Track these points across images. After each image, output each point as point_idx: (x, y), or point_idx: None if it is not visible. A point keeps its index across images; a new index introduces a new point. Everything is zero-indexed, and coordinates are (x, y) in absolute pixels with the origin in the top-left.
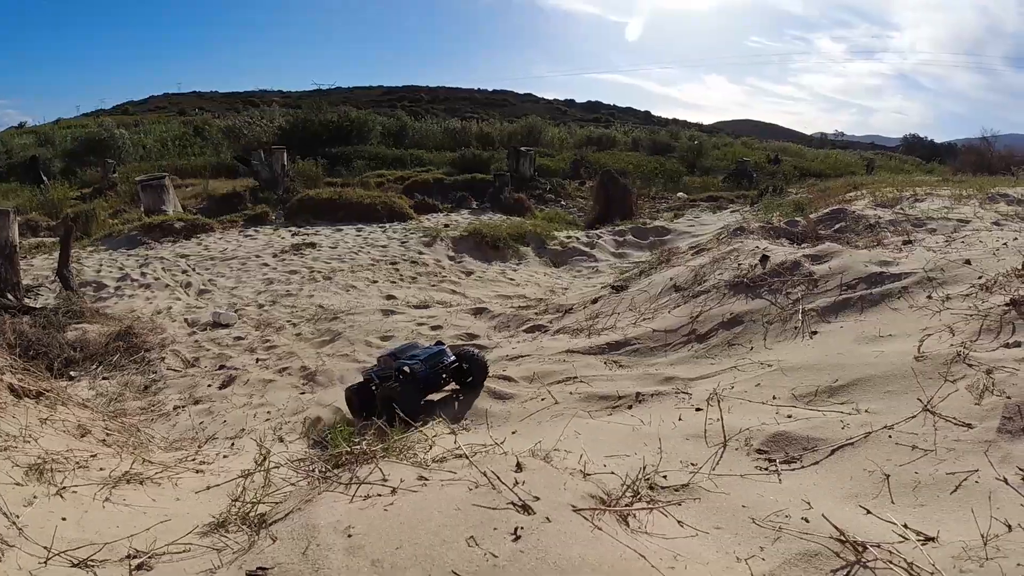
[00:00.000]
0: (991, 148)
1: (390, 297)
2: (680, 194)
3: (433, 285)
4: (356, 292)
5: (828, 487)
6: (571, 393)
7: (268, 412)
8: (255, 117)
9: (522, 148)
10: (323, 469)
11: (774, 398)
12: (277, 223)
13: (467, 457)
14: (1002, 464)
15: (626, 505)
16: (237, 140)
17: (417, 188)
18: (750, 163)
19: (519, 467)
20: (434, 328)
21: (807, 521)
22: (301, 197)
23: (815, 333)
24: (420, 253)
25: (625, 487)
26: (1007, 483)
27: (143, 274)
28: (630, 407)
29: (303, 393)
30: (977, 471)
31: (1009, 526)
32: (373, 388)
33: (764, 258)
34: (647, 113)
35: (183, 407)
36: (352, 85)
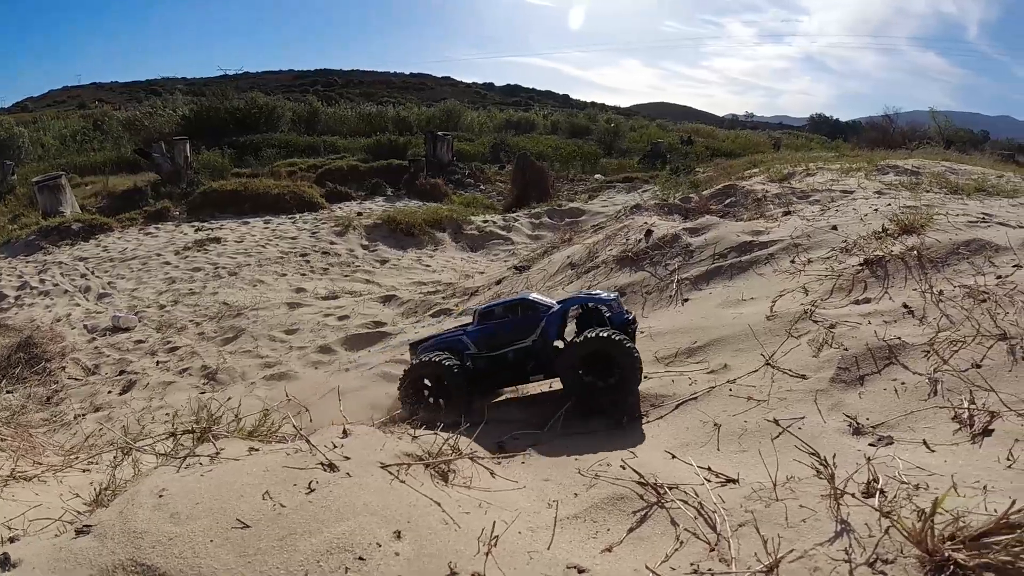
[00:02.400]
0: (892, 124)
1: (299, 290)
2: (598, 176)
3: (346, 275)
4: (263, 287)
5: (663, 438)
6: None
7: (167, 414)
8: (157, 106)
9: (439, 133)
10: (166, 449)
11: None
12: (180, 218)
13: (295, 428)
14: (831, 411)
15: (445, 461)
16: (138, 132)
17: (331, 176)
18: (664, 145)
19: (345, 434)
20: (341, 319)
21: (624, 469)
22: (204, 190)
23: (687, 300)
24: (332, 243)
25: (443, 443)
26: (830, 429)
27: (42, 281)
28: None
29: (203, 393)
30: (803, 418)
31: (817, 470)
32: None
33: (648, 233)
34: (566, 96)
35: (84, 415)
36: (261, 70)
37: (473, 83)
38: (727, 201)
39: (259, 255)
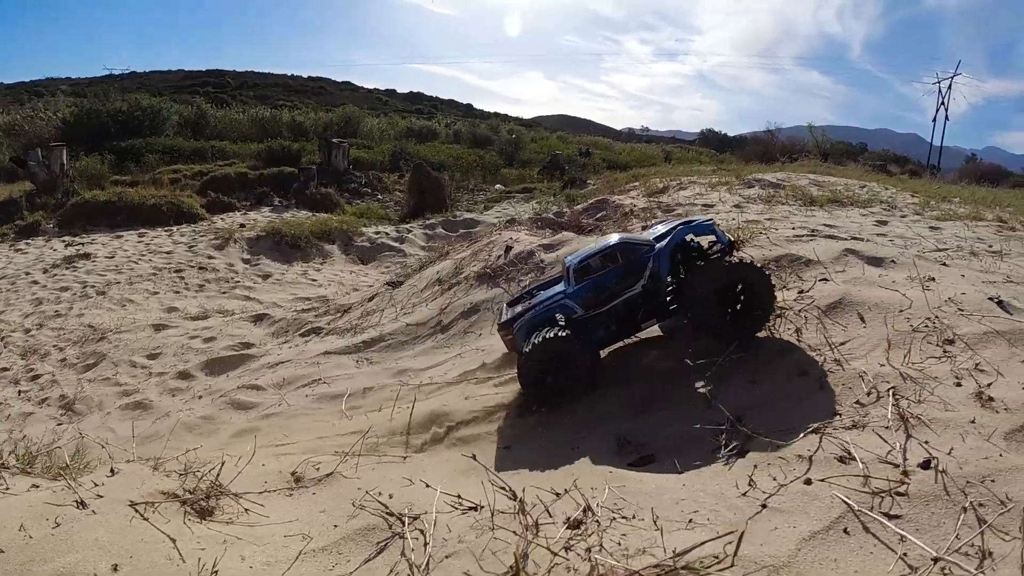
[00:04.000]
0: (774, 139)
1: (171, 309)
2: (498, 186)
3: (223, 292)
4: (133, 306)
5: (457, 464)
6: (307, 396)
7: (24, 447)
8: (37, 109)
9: (334, 139)
10: None
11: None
12: (52, 232)
13: (67, 467)
14: (607, 432)
15: (203, 499)
16: (17, 138)
17: (217, 184)
18: (563, 156)
19: (112, 472)
20: (207, 340)
21: (391, 498)
22: (76, 201)
23: None
24: (210, 258)
25: (200, 480)
26: (592, 448)
27: None
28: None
29: (60, 424)
30: (584, 438)
31: (560, 492)
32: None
33: (507, 248)
34: (469, 106)
35: None
36: (149, 69)
37: (375, 89)
38: (599, 215)
39: (130, 272)
